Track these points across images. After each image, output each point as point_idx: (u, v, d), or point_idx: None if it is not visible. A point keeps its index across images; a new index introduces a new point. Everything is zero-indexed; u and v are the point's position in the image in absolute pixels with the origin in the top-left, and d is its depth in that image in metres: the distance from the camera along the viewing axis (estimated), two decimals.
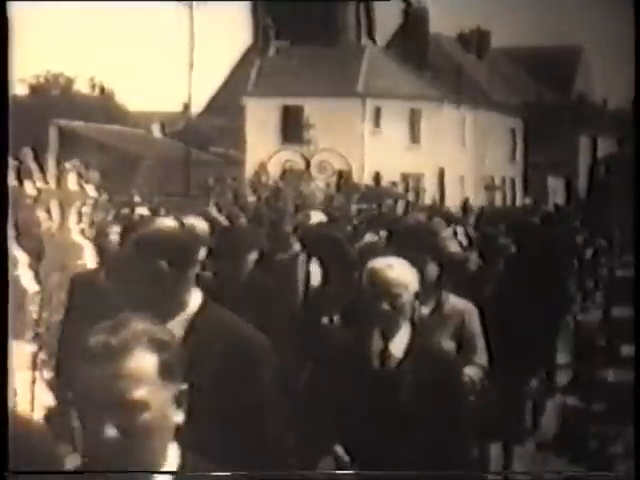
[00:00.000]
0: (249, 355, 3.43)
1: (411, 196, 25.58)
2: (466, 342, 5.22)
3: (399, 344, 4.08)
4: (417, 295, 4.12)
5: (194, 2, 25.27)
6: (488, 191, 28.79)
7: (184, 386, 2.24)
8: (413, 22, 28.82)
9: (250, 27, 29.76)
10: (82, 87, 29.42)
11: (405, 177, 27.09)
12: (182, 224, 5.72)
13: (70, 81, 29.28)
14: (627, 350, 7.71)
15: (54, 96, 28.24)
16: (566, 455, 6.74)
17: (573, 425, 7.27)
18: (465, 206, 18.67)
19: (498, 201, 28.61)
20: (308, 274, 6.71)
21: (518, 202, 28.45)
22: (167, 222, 4.04)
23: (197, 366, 3.06)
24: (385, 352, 4.07)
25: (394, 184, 26.14)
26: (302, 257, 6.79)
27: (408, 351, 4.07)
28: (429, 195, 26.32)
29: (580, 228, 13.40)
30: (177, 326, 3.33)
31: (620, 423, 6.58)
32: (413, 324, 4.15)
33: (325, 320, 6.42)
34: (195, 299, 3.41)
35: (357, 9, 29.49)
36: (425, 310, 5.12)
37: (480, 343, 5.25)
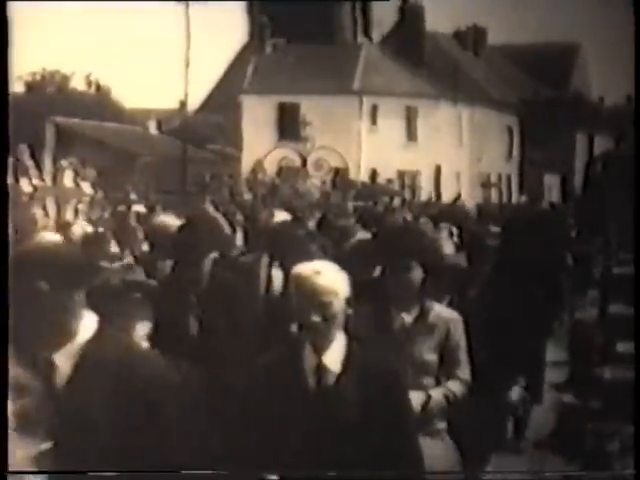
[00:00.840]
0: (150, 395, 2.87)
1: (407, 193, 25.62)
2: (449, 355, 4.90)
3: (335, 357, 3.71)
4: (349, 302, 3.73)
5: (190, 1, 25.25)
6: (484, 188, 28.81)
7: (46, 445, 1.76)
8: (409, 19, 28.83)
9: (246, 25, 29.78)
10: (78, 84, 29.40)
11: (401, 174, 27.10)
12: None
13: (66, 78, 29.26)
14: (623, 347, 7.71)
15: (50, 93, 28.22)
16: (563, 453, 6.74)
17: (570, 423, 7.27)
18: (456, 203, 18.64)
19: (494, 198, 28.63)
20: (270, 277, 6.22)
21: (514, 199, 28.48)
22: (49, 237, 3.66)
23: (84, 408, 2.68)
24: (320, 367, 3.69)
25: (390, 181, 26.16)
26: (265, 259, 6.27)
27: (346, 364, 3.69)
28: (425, 192, 26.33)
29: (576, 225, 13.39)
30: (63, 359, 2.85)
31: (617, 421, 6.58)
32: (348, 334, 3.74)
33: (294, 328, 5.97)
34: (87, 326, 2.91)
35: (353, 7, 29.49)
36: (408, 318, 4.89)
37: (463, 356, 4.93)
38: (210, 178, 23.94)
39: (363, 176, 26.25)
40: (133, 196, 18.40)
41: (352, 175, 26.01)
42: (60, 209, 9.06)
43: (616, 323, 8.36)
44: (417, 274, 4.83)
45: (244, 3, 29.22)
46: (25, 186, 8.79)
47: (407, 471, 3.91)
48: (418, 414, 4.56)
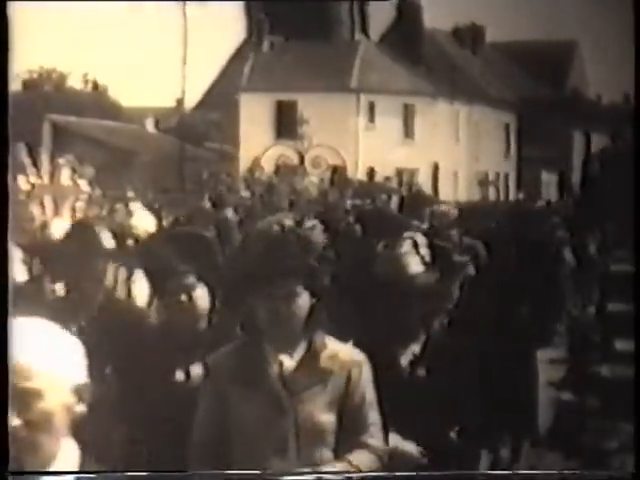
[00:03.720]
0: None
1: (405, 191, 25.59)
2: (352, 413, 3.60)
3: None
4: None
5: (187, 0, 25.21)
6: (482, 186, 28.79)
7: None
8: (407, 17, 28.78)
9: (244, 22, 29.72)
10: (75, 83, 29.34)
11: (399, 172, 27.08)
12: None
13: (63, 77, 29.21)
14: (622, 345, 7.72)
15: (47, 92, 28.17)
16: (560, 450, 6.73)
17: (568, 420, 7.27)
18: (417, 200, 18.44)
19: (492, 196, 28.62)
20: (130, 293, 4.85)
21: (512, 197, 28.47)
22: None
23: None
24: None
25: (388, 179, 26.14)
26: (122, 271, 4.89)
27: None
28: (423, 190, 26.30)
29: (573, 223, 13.41)
30: None
31: (615, 419, 6.58)
32: None
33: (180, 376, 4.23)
34: None
35: (351, 4, 29.45)
36: (290, 363, 3.61)
37: (373, 414, 3.66)
38: (208, 176, 23.93)
39: (361, 174, 26.23)
40: (131, 194, 18.39)
41: (350, 173, 26.00)
42: (58, 207, 9.05)
43: (614, 321, 8.37)
44: (303, 299, 3.64)
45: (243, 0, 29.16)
46: (23, 184, 8.78)
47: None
48: None
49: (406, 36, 28.57)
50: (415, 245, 4.56)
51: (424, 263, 4.57)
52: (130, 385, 4.32)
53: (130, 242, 5.51)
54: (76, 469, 2.21)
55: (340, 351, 3.69)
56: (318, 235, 5.48)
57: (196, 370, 4.05)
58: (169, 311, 4.54)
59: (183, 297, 4.45)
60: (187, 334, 4.40)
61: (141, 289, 4.86)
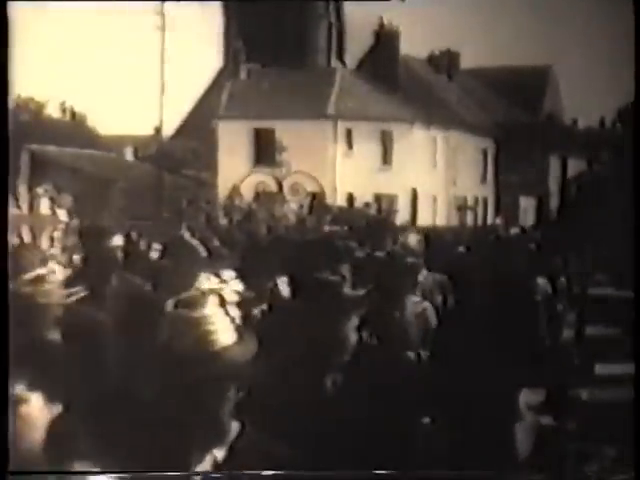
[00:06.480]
0: None
1: (384, 217, 25.63)
2: None
3: None
4: None
5: (165, 22, 25.28)
6: (460, 211, 28.88)
7: None
8: (384, 44, 28.93)
9: (221, 50, 29.79)
10: (53, 111, 29.31)
11: (378, 198, 27.13)
12: None
13: (41, 106, 29.17)
14: (601, 369, 7.74)
15: (25, 121, 28.12)
16: (541, 474, 6.74)
17: (548, 444, 7.28)
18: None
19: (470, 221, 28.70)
20: None
21: (489, 222, 28.57)
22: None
23: None
24: None
25: (368, 205, 26.19)
26: None
27: None
28: (402, 216, 26.36)
29: (551, 247, 13.46)
30: None
31: (596, 442, 6.60)
32: None
33: None
34: None
35: (329, 31, 29.59)
36: None
37: None
38: (187, 204, 23.92)
39: (340, 200, 26.26)
40: (109, 223, 18.34)
41: (329, 199, 26.03)
42: (36, 237, 9.04)
43: (593, 345, 8.39)
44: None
45: (219, 28, 29.26)
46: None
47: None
48: None
49: (383, 63, 28.70)
50: (222, 303, 3.08)
51: (237, 329, 3.03)
52: None
53: None
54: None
55: None
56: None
57: None
58: None
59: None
60: None
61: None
